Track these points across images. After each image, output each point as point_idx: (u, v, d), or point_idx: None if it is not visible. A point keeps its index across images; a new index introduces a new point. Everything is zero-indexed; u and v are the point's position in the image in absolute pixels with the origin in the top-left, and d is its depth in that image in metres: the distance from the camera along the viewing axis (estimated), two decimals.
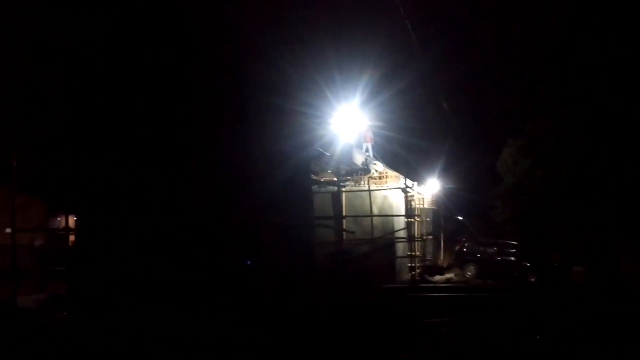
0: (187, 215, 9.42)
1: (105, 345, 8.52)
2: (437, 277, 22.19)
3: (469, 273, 22.64)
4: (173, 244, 9.27)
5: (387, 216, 18.97)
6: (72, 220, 12.47)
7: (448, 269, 24.23)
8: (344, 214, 17.79)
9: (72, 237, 13.06)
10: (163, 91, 9.69)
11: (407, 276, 19.91)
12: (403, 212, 19.86)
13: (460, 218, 31.30)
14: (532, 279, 21.28)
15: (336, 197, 17.60)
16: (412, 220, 20.48)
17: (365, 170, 18.72)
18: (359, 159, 18.22)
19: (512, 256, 22.52)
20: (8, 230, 11.56)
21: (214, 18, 10.13)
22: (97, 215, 9.79)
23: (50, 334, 9.51)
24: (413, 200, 21.69)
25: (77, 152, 10.06)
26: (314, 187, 16.56)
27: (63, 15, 9.63)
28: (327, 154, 15.50)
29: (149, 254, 9.18)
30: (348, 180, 18.99)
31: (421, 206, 22.96)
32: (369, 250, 18.25)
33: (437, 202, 27.78)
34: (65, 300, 10.93)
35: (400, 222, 19.57)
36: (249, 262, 10.19)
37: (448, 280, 21.85)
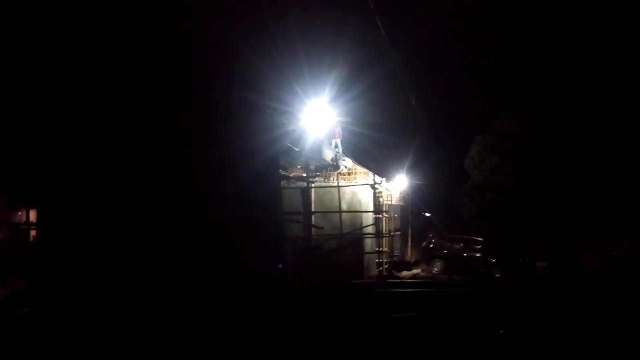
0: (153, 210, 9.26)
1: (66, 341, 8.35)
2: (405, 273, 22.43)
3: (435, 269, 22.95)
4: (140, 240, 9.11)
5: (356, 212, 19.05)
6: (33, 214, 12.14)
7: (415, 264, 24.50)
8: (313, 209, 17.80)
9: (33, 232, 12.72)
10: (130, 85, 9.50)
11: (375, 272, 20.04)
12: (371, 208, 19.96)
13: (428, 214, 31.71)
14: (497, 275, 21.70)
15: (305, 193, 17.59)
16: (380, 216, 20.61)
17: (335, 166, 18.76)
18: (328, 155, 18.24)
19: (478, 252, 22.94)
20: None
21: (184, 13, 9.97)
22: (59, 209, 9.55)
23: (9, 329, 9.27)
24: (381, 196, 21.83)
25: (39, 145, 9.79)
26: (283, 183, 16.52)
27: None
28: (297, 149, 15.45)
29: (111, 249, 9.01)
30: (317, 176, 19.00)
31: (389, 202, 23.13)
32: (338, 246, 18.32)
33: (405, 198, 28.05)
34: (26, 296, 10.65)
35: (369, 218, 19.68)
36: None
37: (415, 276, 22.10)
